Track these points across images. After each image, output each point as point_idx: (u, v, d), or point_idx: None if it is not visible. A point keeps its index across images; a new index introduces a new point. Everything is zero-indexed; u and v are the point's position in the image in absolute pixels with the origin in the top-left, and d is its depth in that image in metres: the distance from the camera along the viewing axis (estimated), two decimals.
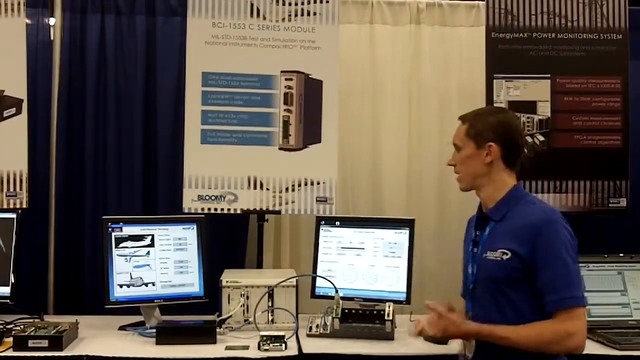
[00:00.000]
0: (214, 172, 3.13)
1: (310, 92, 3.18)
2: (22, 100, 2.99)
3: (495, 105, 3.14)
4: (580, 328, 1.87)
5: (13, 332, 2.52)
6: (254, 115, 3.17)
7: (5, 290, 2.85)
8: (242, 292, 2.78)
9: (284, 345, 2.48)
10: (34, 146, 3.16)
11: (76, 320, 2.66)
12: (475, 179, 2.08)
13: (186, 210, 3.10)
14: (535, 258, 1.90)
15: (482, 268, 2.03)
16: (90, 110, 3.34)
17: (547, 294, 1.89)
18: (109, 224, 2.84)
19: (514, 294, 1.94)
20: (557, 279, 1.88)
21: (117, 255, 2.82)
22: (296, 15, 3.20)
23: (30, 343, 2.40)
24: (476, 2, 3.55)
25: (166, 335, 2.55)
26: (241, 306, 2.76)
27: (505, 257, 1.94)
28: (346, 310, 2.70)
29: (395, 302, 2.81)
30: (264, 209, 3.16)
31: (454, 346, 2.56)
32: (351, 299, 2.90)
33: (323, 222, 3.07)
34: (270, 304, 2.78)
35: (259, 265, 3.24)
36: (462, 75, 3.57)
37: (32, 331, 2.48)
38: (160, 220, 2.98)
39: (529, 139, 3.12)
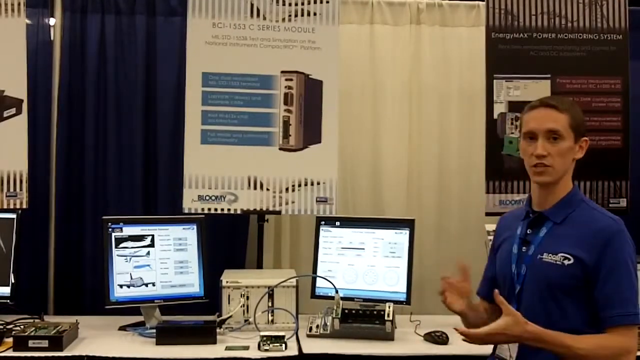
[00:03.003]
0: (214, 172, 3.13)
1: (311, 93, 3.18)
2: (22, 101, 2.99)
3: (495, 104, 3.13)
4: (636, 347, 1.78)
5: (13, 332, 2.52)
6: (254, 115, 3.17)
7: (6, 290, 2.85)
8: (242, 293, 2.78)
9: (284, 345, 2.49)
10: (34, 146, 3.15)
11: (76, 320, 2.66)
12: (563, 174, 1.91)
13: (186, 211, 3.10)
14: (600, 268, 1.77)
15: (535, 270, 1.87)
16: (90, 110, 3.33)
17: (607, 307, 1.77)
18: (109, 224, 2.84)
19: (568, 303, 1.82)
20: (620, 292, 1.77)
21: (117, 255, 2.82)
22: (296, 15, 3.20)
23: (31, 343, 2.40)
24: (476, 2, 3.55)
25: (166, 335, 2.55)
26: (241, 306, 2.76)
27: (567, 262, 1.81)
28: (346, 311, 2.70)
29: (396, 302, 2.81)
30: (264, 209, 3.16)
31: (454, 347, 2.57)
32: (351, 299, 2.90)
33: (323, 222, 3.07)
34: (270, 304, 2.78)
35: (259, 266, 3.24)
36: (462, 75, 3.57)
37: (32, 331, 2.48)
38: (161, 220, 2.98)
39: None
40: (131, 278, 2.82)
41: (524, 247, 1.94)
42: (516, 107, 3.13)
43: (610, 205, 3.16)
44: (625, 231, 1.82)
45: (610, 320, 1.77)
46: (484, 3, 3.31)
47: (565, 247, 1.83)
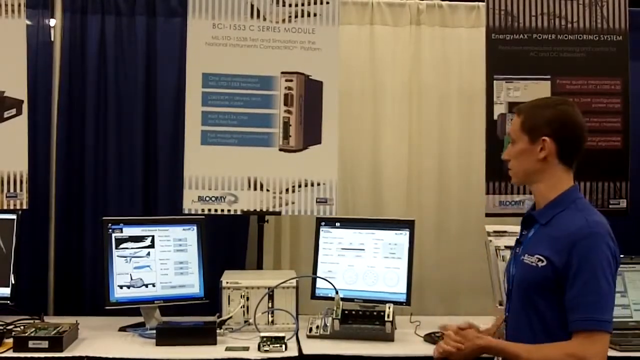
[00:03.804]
0: (214, 173, 3.13)
1: (311, 93, 3.19)
2: (22, 101, 2.99)
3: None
4: (598, 354, 1.74)
5: (13, 333, 2.52)
6: (254, 116, 3.17)
7: (6, 291, 2.85)
8: (242, 293, 2.78)
9: (284, 346, 2.49)
10: (34, 147, 3.15)
11: (76, 321, 2.66)
12: (528, 175, 1.93)
13: (186, 211, 3.10)
14: (568, 271, 1.76)
15: (518, 271, 1.91)
16: (90, 110, 3.33)
17: (571, 312, 1.76)
18: (109, 224, 2.84)
19: (543, 305, 1.82)
20: (584, 296, 1.73)
21: (118, 256, 2.82)
22: (296, 16, 3.20)
23: (31, 344, 2.40)
24: (476, 3, 3.55)
25: (166, 336, 2.55)
26: (241, 307, 2.77)
27: (540, 263, 1.81)
28: (346, 312, 2.70)
29: (395, 303, 2.81)
30: (264, 210, 3.17)
31: None
32: (351, 300, 2.90)
33: (323, 223, 3.07)
34: (270, 305, 2.78)
35: (259, 266, 3.25)
36: (462, 76, 3.57)
37: (32, 332, 2.48)
38: (161, 221, 2.98)
39: None
40: (131, 279, 2.82)
41: (517, 248, 1.97)
42: None
43: (610, 206, 3.17)
44: (597, 234, 1.78)
45: (571, 325, 1.75)
46: (484, 4, 3.31)
47: (541, 249, 1.83)
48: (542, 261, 1.81)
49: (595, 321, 1.74)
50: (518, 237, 1.99)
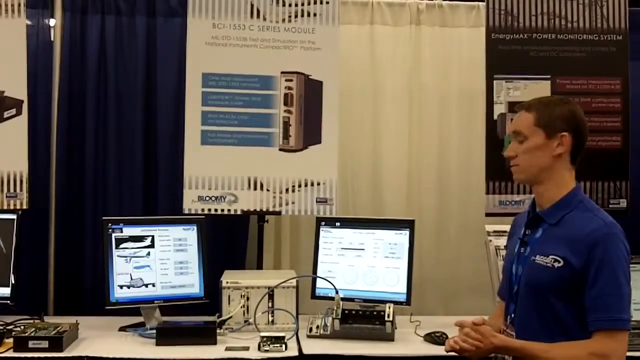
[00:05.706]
0: (214, 173, 3.13)
1: (311, 93, 3.19)
2: (22, 101, 2.99)
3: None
4: (619, 352, 1.75)
5: (13, 332, 2.52)
6: (254, 116, 3.17)
7: (6, 290, 2.85)
8: (242, 293, 2.78)
9: (284, 346, 2.49)
10: (34, 147, 3.15)
11: (76, 321, 2.66)
12: (539, 172, 1.90)
13: (186, 211, 3.10)
14: (588, 271, 1.76)
15: (529, 271, 1.89)
16: (90, 110, 3.33)
17: (591, 312, 1.76)
18: (109, 224, 2.84)
19: (560, 305, 1.81)
20: (605, 297, 1.75)
21: (118, 256, 2.82)
22: (296, 16, 3.20)
23: (31, 344, 2.40)
24: (476, 2, 3.55)
25: (166, 336, 2.56)
26: (241, 307, 2.77)
27: (557, 264, 1.81)
28: (346, 311, 2.70)
29: (396, 302, 2.80)
30: (264, 209, 3.17)
31: None
32: (351, 299, 2.90)
33: (323, 222, 3.07)
34: (270, 305, 2.78)
35: (259, 266, 3.25)
36: (462, 76, 3.57)
37: (32, 332, 2.48)
38: (161, 221, 2.98)
39: None
40: (131, 279, 2.82)
41: (522, 248, 1.95)
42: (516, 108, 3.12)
43: (610, 205, 3.17)
44: (615, 234, 1.79)
45: (591, 324, 1.76)
46: (484, 4, 3.31)
47: (556, 249, 1.83)
48: (559, 262, 1.81)
49: (617, 320, 1.75)
50: (520, 237, 1.97)
